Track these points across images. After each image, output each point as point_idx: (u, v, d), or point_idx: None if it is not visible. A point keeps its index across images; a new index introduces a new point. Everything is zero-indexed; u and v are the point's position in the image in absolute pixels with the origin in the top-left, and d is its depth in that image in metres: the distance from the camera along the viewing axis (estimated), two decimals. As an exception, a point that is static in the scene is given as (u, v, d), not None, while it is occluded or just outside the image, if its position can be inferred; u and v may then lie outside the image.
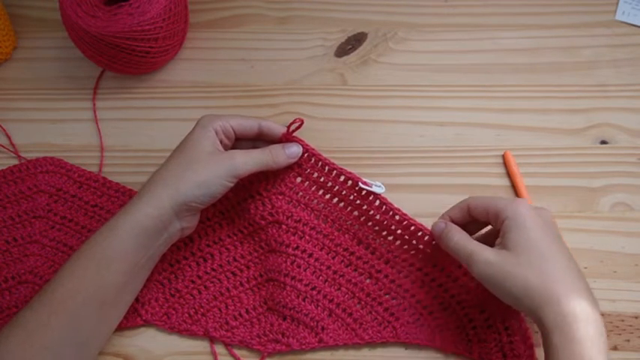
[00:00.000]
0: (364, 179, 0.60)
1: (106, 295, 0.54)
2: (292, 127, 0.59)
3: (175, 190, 0.55)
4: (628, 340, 0.59)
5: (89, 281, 0.53)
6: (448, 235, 0.56)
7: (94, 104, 0.72)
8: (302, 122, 0.59)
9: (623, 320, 0.60)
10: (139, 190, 0.57)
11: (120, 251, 0.54)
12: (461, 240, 0.55)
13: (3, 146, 0.69)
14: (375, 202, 0.60)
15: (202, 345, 0.60)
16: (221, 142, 0.58)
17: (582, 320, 0.48)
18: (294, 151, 0.60)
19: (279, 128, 0.60)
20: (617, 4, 0.76)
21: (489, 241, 0.56)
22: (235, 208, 0.63)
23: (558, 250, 0.52)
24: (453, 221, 0.58)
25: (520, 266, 0.50)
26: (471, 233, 0.57)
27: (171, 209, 0.55)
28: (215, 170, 0.55)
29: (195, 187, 0.55)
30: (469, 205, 0.57)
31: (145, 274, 0.58)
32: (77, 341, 0.53)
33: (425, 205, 0.65)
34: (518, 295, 0.50)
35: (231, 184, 0.57)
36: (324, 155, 0.61)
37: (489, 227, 0.58)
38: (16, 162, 0.68)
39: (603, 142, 0.68)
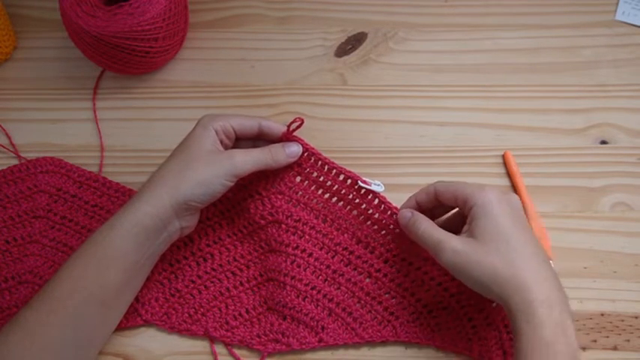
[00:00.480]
0: (363, 178, 0.60)
1: (105, 294, 0.54)
2: (292, 127, 0.59)
3: (175, 189, 0.55)
4: (628, 340, 0.59)
5: (89, 280, 0.53)
6: (415, 224, 0.56)
7: (94, 104, 0.72)
8: (302, 122, 0.59)
9: (623, 320, 0.60)
10: (139, 189, 0.57)
11: (119, 250, 0.54)
12: (428, 229, 0.55)
13: (3, 146, 0.69)
14: (374, 200, 0.61)
15: (202, 345, 0.60)
16: (221, 141, 0.58)
17: (547, 306, 0.49)
18: (294, 150, 0.60)
19: (279, 128, 0.60)
20: (617, 4, 0.76)
21: (455, 225, 0.56)
22: (235, 208, 0.63)
23: (525, 237, 0.52)
24: (418, 205, 0.58)
25: (488, 254, 0.51)
26: (436, 217, 0.58)
27: (171, 208, 0.55)
28: (215, 169, 0.55)
29: (194, 186, 0.55)
30: (436, 190, 0.57)
31: (145, 273, 0.58)
32: (77, 340, 0.53)
33: (425, 205, 0.64)
34: (486, 283, 0.51)
35: (231, 184, 0.57)
36: (324, 155, 0.61)
37: (454, 210, 0.59)
38: (16, 162, 0.68)
39: (603, 142, 0.68)
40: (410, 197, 0.59)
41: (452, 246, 0.52)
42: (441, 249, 0.53)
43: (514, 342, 0.50)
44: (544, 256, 0.52)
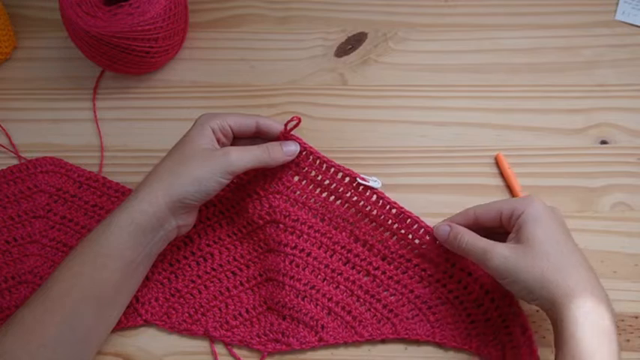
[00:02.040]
0: (361, 175, 0.60)
1: (102, 293, 0.54)
2: (290, 125, 0.59)
3: (169, 187, 0.55)
4: (628, 340, 0.59)
5: (85, 278, 0.53)
6: (457, 236, 0.56)
7: (94, 104, 0.72)
8: (299, 120, 0.59)
9: (623, 320, 0.60)
10: (135, 188, 0.57)
11: (116, 248, 0.54)
12: (471, 239, 0.55)
13: (3, 146, 0.69)
14: (372, 197, 0.61)
15: (202, 345, 0.60)
16: (218, 140, 0.58)
17: (596, 314, 0.49)
18: (292, 149, 0.60)
19: (277, 126, 0.60)
20: (617, 4, 0.76)
21: (493, 238, 0.57)
22: (235, 208, 0.63)
23: (573, 245, 0.53)
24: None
25: (537, 259, 0.52)
26: (480, 219, 0.58)
27: (166, 206, 0.55)
28: (209, 166, 0.55)
29: (188, 183, 0.55)
30: (476, 213, 0.57)
31: (143, 271, 0.58)
32: (74, 339, 0.53)
33: (425, 205, 0.64)
34: (533, 287, 0.51)
35: (227, 181, 0.56)
36: (323, 154, 0.61)
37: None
38: (16, 162, 0.68)
39: (603, 142, 0.68)
40: (443, 223, 0.59)
41: (500, 253, 0.53)
42: (489, 256, 0.53)
43: (557, 346, 0.50)
44: (590, 266, 0.53)
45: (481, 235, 0.56)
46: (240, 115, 0.60)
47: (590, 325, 0.49)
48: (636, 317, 0.60)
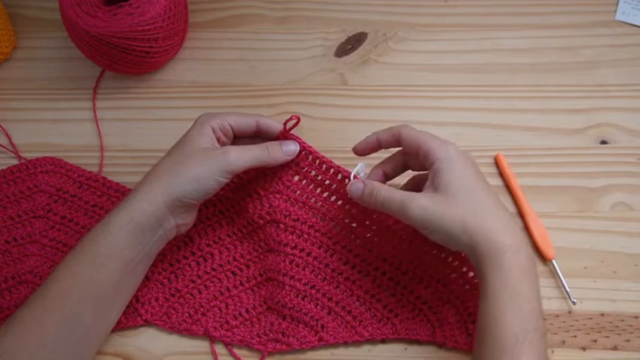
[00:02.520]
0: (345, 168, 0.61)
1: (101, 292, 0.54)
2: (289, 125, 0.59)
3: (168, 185, 0.55)
4: (628, 340, 0.59)
5: (84, 278, 0.53)
6: (373, 192, 0.55)
7: (94, 104, 0.72)
8: (298, 120, 0.58)
9: (623, 320, 0.60)
10: (134, 187, 0.57)
11: (114, 247, 0.54)
12: (388, 193, 0.55)
13: (3, 146, 0.69)
14: None
15: (202, 345, 0.60)
16: (219, 139, 0.58)
17: (513, 251, 0.50)
18: (291, 148, 0.60)
19: (277, 125, 0.60)
20: (617, 4, 0.76)
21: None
22: (235, 208, 0.63)
23: (487, 189, 0.54)
24: (380, 144, 0.58)
25: (455, 206, 0.52)
26: (389, 175, 0.59)
27: (164, 204, 0.54)
28: (208, 165, 0.55)
29: (187, 182, 0.55)
30: (401, 134, 0.57)
31: (142, 271, 0.58)
32: (74, 339, 0.53)
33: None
34: (456, 234, 0.52)
35: (226, 180, 0.56)
36: (324, 155, 0.61)
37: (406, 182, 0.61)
38: (16, 162, 0.68)
39: (603, 142, 0.68)
40: (371, 135, 0.59)
41: (419, 202, 0.53)
42: (408, 208, 0.53)
43: (480, 286, 0.52)
44: (504, 206, 0.54)
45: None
46: (241, 114, 0.60)
47: (508, 264, 0.50)
48: (636, 317, 0.60)
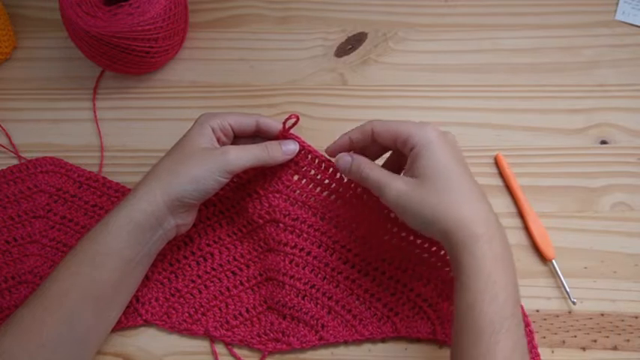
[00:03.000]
0: None
1: (101, 292, 0.54)
2: (288, 124, 0.59)
3: (168, 185, 0.54)
4: (628, 340, 0.59)
5: (83, 277, 0.53)
6: (359, 168, 0.56)
7: (94, 104, 0.72)
8: (297, 119, 0.58)
9: (623, 320, 0.60)
10: (134, 187, 0.56)
11: (114, 247, 0.54)
12: (372, 172, 0.55)
13: (3, 146, 0.69)
14: (372, 197, 0.60)
15: (203, 345, 0.60)
16: (219, 139, 0.58)
17: (486, 240, 0.50)
18: (291, 148, 0.60)
19: (276, 125, 0.60)
20: (617, 4, 0.76)
21: (393, 166, 0.58)
22: (235, 207, 0.63)
23: (465, 175, 0.53)
24: (352, 143, 0.58)
25: (431, 193, 0.52)
26: (370, 157, 0.58)
27: (164, 204, 0.54)
28: (207, 165, 0.55)
29: (186, 182, 0.55)
30: (374, 130, 0.56)
31: (142, 271, 0.58)
32: (73, 338, 0.53)
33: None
34: (430, 221, 0.52)
35: (226, 180, 0.56)
36: (322, 154, 0.61)
37: (390, 153, 0.60)
38: (16, 162, 0.68)
39: (603, 142, 0.68)
40: (342, 135, 0.58)
41: (396, 187, 0.53)
42: (385, 191, 0.53)
43: (454, 275, 0.51)
44: (482, 193, 0.53)
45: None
46: (241, 114, 0.60)
47: (482, 253, 0.49)
48: (636, 317, 0.60)
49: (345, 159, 0.57)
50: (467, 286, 0.49)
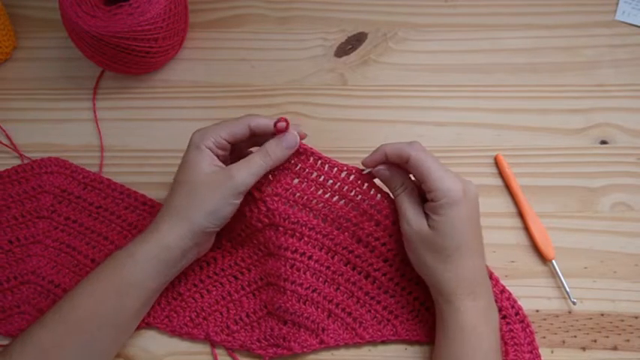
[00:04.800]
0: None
1: (122, 320, 0.55)
2: (280, 126, 0.57)
3: (190, 221, 0.55)
4: (628, 340, 0.59)
5: (107, 305, 0.54)
6: (403, 194, 0.57)
7: (94, 104, 0.72)
8: (287, 123, 0.57)
9: (623, 320, 0.60)
10: (155, 219, 0.57)
11: (140, 279, 0.55)
12: (406, 198, 0.57)
13: (7, 145, 0.69)
14: (376, 197, 0.60)
15: (203, 346, 0.60)
16: (217, 156, 0.57)
17: (472, 298, 0.54)
18: (291, 140, 0.58)
19: (268, 122, 0.58)
20: (617, 4, 0.76)
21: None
22: (236, 212, 0.63)
23: (473, 242, 0.55)
24: (387, 158, 0.58)
25: (436, 256, 0.55)
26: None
27: (191, 239, 0.55)
28: (219, 194, 0.55)
29: (206, 215, 0.55)
30: (410, 158, 0.55)
31: (157, 296, 0.59)
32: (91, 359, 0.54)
33: (425, 205, 0.64)
34: (428, 272, 0.55)
35: (239, 201, 0.57)
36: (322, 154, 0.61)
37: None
38: (18, 162, 0.68)
39: (603, 142, 0.69)
40: (379, 149, 0.58)
41: (418, 228, 0.55)
42: (408, 225, 0.56)
43: (438, 320, 0.56)
44: (481, 249, 0.56)
45: None
46: (231, 124, 0.58)
47: (465, 309, 0.53)
48: (636, 317, 0.60)
49: (383, 172, 0.58)
50: (451, 338, 0.54)
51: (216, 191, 0.55)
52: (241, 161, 0.57)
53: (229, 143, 0.58)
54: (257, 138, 0.60)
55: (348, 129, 0.70)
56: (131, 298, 0.55)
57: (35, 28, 0.76)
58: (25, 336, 0.52)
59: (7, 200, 0.65)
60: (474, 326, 0.53)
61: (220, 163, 0.57)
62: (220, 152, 0.58)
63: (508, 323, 0.58)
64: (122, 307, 0.55)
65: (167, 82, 0.73)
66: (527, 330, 0.58)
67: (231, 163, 0.57)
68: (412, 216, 0.56)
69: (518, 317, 0.59)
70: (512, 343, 0.57)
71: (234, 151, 0.60)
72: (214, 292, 0.61)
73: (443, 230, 0.54)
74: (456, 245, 0.54)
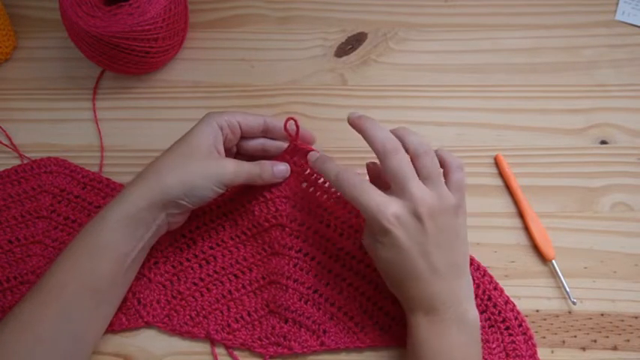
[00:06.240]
0: None
1: (98, 285, 0.54)
2: (290, 128, 0.59)
3: (165, 186, 0.55)
4: (628, 340, 0.59)
5: (80, 270, 0.53)
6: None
7: (94, 104, 0.72)
8: (298, 127, 0.59)
9: (623, 320, 0.60)
10: (132, 179, 0.57)
11: (111, 241, 0.54)
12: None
13: (6, 145, 0.69)
14: None
15: (203, 345, 0.60)
16: (226, 137, 0.58)
17: (447, 306, 0.52)
18: (281, 170, 0.60)
19: (282, 125, 0.60)
20: (617, 4, 0.76)
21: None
22: (239, 210, 0.63)
23: (426, 268, 0.53)
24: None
25: (402, 269, 0.53)
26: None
27: (161, 203, 0.55)
28: (206, 175, 0.56)
29: (185, 188, 0.55)
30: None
31: (135, 269, 0.58)
32: (71, 332, 0.53)
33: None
34: (396, 281, 0.55)
35: (221, 191, 0.57)
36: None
37: None
38: (17, 162, 0.68)
39: (603, 142, 0.69)
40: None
41: (371, 255, 0.56)
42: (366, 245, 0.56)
43: (410, 328, 0.54)
44: (443, 276, 0.53)
45: None
46: (248, 113, 0.60)
47: (441, 319, 0.52)
48: (636, 317, 0.60)
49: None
50: (425, 345, 0.53)
51: (204, 170, 0.56)
52: (236, 161, 0.58)
53: (241, 130, 0.59)
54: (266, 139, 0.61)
55: (348, 129, 0.69)
56: (104, 260, 0.54)
57: (35, 28, 0.76)
58: (9, 313, 0.53)
59: (7, 200, 0.65)
60: (425, 340, 0.52)
61: (222, 147, 0.58)
62: (230, 134, 0.58)
63: (510, 335, 0.58)
64: (95, 271, 0.54)
65: (167, 82, 0.73)
66: (530, 343, 0.58)
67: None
68: (366, 236, 0.56)
69: (521, 329, 0.58)
70: (513, 355, 0.57)
71: (239, 153, 0.61)
72: (215, 291, 0.61)
73: (385, 258, 0.53)
74: (403, 276, 0.53)
